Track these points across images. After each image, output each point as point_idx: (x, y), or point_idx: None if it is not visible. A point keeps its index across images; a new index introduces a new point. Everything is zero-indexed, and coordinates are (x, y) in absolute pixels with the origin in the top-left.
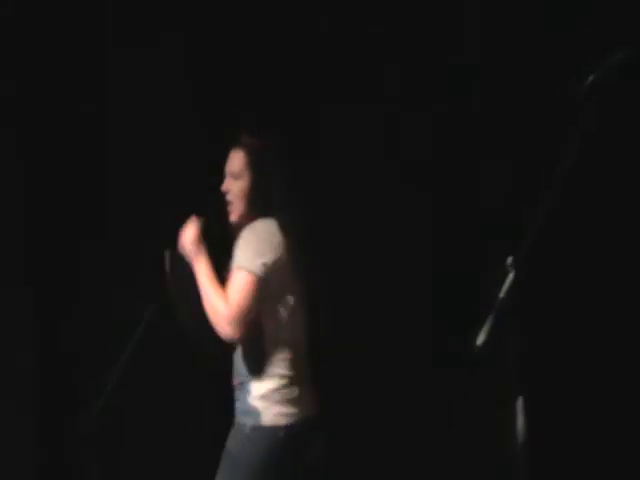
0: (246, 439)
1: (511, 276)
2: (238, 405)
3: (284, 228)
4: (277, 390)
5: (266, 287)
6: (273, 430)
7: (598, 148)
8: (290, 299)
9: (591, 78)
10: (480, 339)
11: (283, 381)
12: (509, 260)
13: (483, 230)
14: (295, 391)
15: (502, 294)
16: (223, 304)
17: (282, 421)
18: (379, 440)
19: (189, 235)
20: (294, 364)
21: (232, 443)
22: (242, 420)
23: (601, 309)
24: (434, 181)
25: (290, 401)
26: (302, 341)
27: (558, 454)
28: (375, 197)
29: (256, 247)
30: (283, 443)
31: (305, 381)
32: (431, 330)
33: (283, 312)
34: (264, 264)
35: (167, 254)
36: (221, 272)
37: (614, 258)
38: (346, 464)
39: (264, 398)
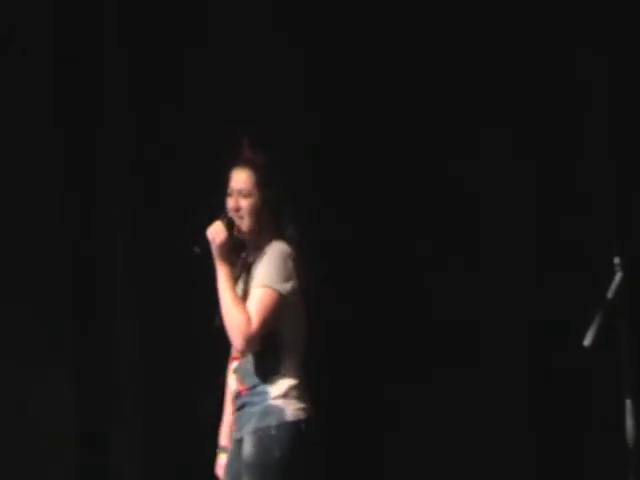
0: (270, 438)
1: (619, 276)
2: (251, 410)
3: (296, 250)
4: (295, 387)
5: (287, 307)
6: (296, 425)
7: None
8: (302, 312)
9: None
10: (588, 340)
11: (298, 379)
12: (616, 260)
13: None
14: (307, 388)
15: (610, 294)
16: (243, 317)
17: (302, 415)
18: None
19: (217, 237)
20: (304, 364)
21: (254, 457)
22: (261, 423)
23: None
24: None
25: (305, 397)
26: (306, 345)
27: None
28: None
29: (283, 269)
30: (305, 437)
31: (309, 380)
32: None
33: (298, 325)
34: (292, 287)
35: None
36: None
37: None
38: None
39: (285, 396)
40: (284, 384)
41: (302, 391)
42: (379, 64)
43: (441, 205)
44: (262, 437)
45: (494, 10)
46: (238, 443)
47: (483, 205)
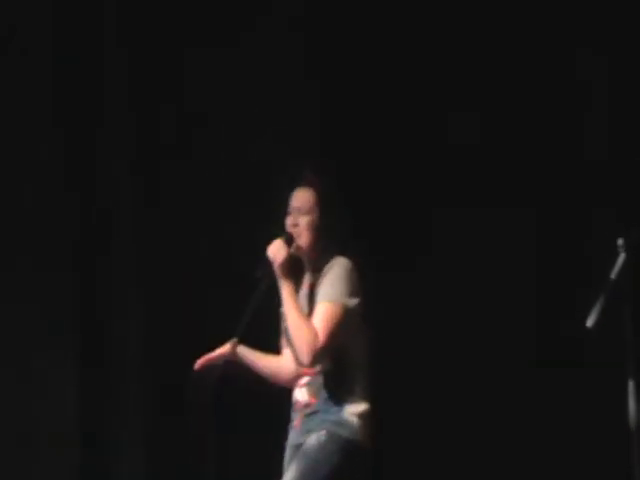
0: (337, 446)
1: (622, 257)
2: (324, 417)
3: (358, 266)
4: (371, 413)
5: (354, 322)
6: (365, 450)
7: None
8: (365, 330)
9: None
10: (591, 321)
11: (371, 405)
12: (620, 241)
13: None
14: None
15: (613, 276)
16: (310, 332)
17: (371, 444)
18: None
19: (278, 255)
20: (370, 391)
21: (314, 447)
22: (333, 428)
23: None
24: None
25: (374, 426)
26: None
27: None
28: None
29: (349, 284)
30: (367, 463)
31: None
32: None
33: (363, 342)
34: (358, 303)
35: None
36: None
37: None
38: None
39: (362, 417)
40: (361, 405)
41: (373, 419)
42: (384, 65)
43: (441, 205)
44: (331, 439)
45: (495, 10)
46: (296, 449)
47: (483, 205)
